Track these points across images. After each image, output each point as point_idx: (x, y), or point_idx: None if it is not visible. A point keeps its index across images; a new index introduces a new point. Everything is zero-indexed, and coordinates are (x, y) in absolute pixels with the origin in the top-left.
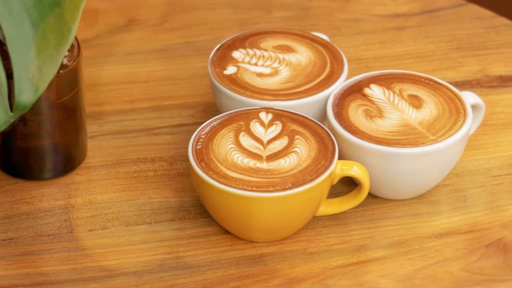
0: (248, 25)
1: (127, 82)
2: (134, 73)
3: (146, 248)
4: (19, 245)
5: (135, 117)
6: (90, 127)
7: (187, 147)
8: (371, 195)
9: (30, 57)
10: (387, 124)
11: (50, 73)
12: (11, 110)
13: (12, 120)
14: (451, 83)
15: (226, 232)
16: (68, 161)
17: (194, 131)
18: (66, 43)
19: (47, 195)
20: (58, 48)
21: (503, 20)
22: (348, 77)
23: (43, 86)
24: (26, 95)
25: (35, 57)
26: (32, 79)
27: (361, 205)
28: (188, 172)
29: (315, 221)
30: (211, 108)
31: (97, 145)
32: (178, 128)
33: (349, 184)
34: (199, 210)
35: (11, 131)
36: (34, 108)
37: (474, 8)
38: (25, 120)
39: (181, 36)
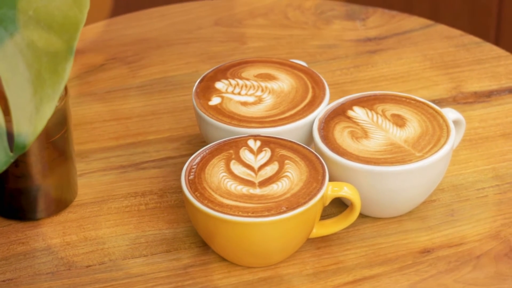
0: (223, 57)
1: (109, 119)
2: (116, 110)
3: (145, 280)
4: (18, 285)
5: (121, 153)
6: (78, 166)
7: (175, 180)
8: (361, 215)
9: (27, 97)
10: (373, 144)
11: (48, 112)
12: (11, 150)
13: (12, 160)
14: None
15: (222, 259)
16: (60, 200)
17: (181, 163)
18: (62, 81)
19: (42, 235)
20: (54, 87)
21: (471, 38)
22: (330, 101)
23: (41, 125)
24: (24, 135)
25: (32, 97)
26: (30, 119)
27: (352, 225)
28: (179, 203)
29: (308, 244)
30: (195, 140)
31: (86, 182)
32: (165, 161)
33: (338, 205)
34: (193, 239)
35: (3, 173)
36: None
37: (443, 28)
38: (17, 162)
39: (158, 71)
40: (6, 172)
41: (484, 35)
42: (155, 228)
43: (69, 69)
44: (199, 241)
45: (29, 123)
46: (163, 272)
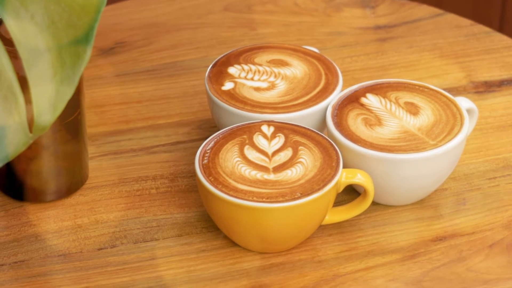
0: (233, 43)
1: (120, 103)
2: (126, 94)
3: (156, 264)
4: (30, 267)
5: (131, 136)
6: (89, 149)
7: (186, 164)
8: (373, 202)
9: (47, 78)
10: (387, 131)
11: (68, 93)
12: (30, 131)
13: (31, 141)
14: None
15: (234, 244)
16: (72, 183)
17: (192, 148)
18: (82, 63)
19: (53, 217)
20: (74, 68)
21: (481, 28)
22: (342, 88)
23: (61, 106)
24: (45, 116)
25: (52, 78)
26: (50, 100)
27: (363, 212)
28: (190, 188)
29: (320, 230)
30: (206, 124)
31: (97, 165)
32: (175, 145)
33: (350, 192)
34: (205, 224)
35: None
36: None
37: (453, 17)
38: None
39: (168, 56)
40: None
41: (487, 25)
42: (166, 212)
43: (89, 51)
44: (211, 226)
45: (49, 104)
46: (175, 256)
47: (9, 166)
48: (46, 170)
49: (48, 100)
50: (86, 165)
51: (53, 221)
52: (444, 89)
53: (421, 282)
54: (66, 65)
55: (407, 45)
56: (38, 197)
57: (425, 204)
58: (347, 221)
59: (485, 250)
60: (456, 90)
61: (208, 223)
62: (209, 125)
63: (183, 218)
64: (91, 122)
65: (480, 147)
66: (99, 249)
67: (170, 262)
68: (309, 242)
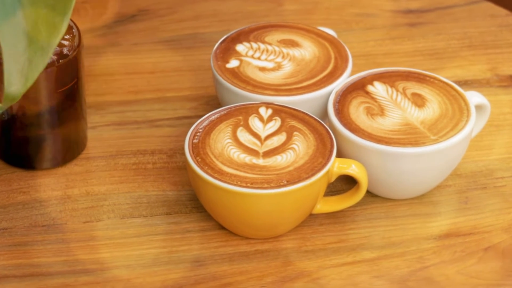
0: (257, 18)
1: (132, 72)
2: (140, 63)
3: (140, 242)
4: (12, 235)
5: (138, 108)
6: (92, 118)
7: None
8: (370, 194)
9: (20, 48)
10: (388, 122)
11: (41, 65)
12: (0, 100)
13: (1, 111)
14: (459, 81)
15: (222, 227)
16: (67, 152)
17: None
18: (58, 34)
19: (44, 185)
20: (50, 40)
21: None
22: (353, 73)
23: (32, 77)
24: (15, 86)
25: (26, 48)
26: (22, 71)
27: (359, 204)
28: None
29: (312, 219)
30: (214, 101)
31: (98, 135)
32: (180, 120)
33: (349, 182)
34: (195, 204)
35: (11, 120)
36: (34, 98)
37: (488, 6)
38: (25, 110)
39: (190, 27)
40: (14, 119)
41: None
42: (158, 189)
43: (66, 22)
44: (201, 207)
45: (21, 75)
46: (160, 235)
47: (4, 132)
48: (41, 138)
49: (20, 71)
50: (84, 135)
51: (43, 190)
52: (467, 81)
53: (406, 282)
54: (41, 36)
55: (436, 32)
56: (32, 164)
57: (425, 200)
58: (341, 211)
59: (479, 253)
60: (479, 83)
61: (199, 203)
62: (217, 102)
63: (175, 196)
64: (99, 90)
65: (493, 144)
66: (84, 222)
67: (154, 240)
68: (299, 231)
